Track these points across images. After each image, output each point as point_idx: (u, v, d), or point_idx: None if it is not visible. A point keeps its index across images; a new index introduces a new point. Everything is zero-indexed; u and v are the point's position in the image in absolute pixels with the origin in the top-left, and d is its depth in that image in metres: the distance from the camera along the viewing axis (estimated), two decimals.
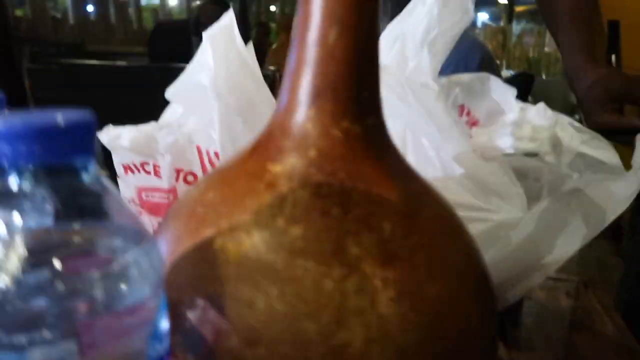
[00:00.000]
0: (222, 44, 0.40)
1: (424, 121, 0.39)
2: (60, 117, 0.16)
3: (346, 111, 0.24)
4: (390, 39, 0.43)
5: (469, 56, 2.16)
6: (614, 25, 0.79)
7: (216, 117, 0.39)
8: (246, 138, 0.39)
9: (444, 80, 0.49)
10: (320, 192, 0.22)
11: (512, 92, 0.47)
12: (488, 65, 2.23)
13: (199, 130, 0.41)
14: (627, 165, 0.41)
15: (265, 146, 0.25)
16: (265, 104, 0.41)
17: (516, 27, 5.69)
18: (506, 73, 2.95)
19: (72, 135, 0.16)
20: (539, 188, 0.45)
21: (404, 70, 0.41)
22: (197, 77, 0.40)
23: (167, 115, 0.43)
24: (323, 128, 0.23)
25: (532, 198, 0.43)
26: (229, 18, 0.41)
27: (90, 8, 4.39)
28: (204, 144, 0.41)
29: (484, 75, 0.48)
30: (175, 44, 2.89)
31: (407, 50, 0.42)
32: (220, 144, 0.39)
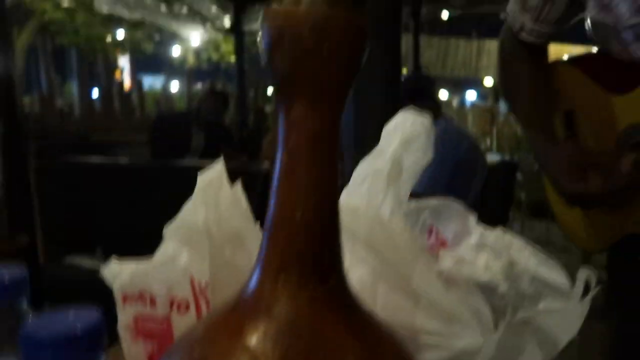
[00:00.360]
0: (213, 187, 0.46)
1: (391, 252, 0.44)
2: (75, 325, 0.21)
3: (309, 279, 0.29)
4: (362, 176, 0.49)
5: (455, 146, 2.27)
6: (570, 115, 0.89)
7: (207, 253, 0.44)
8: (236, 271, 0.44)
9: (413, 204, 0.55)
10: (288, 355, 0.26)
11: (472, 216, 0.52)
12: (474, 153, 2.33)
13: (192, 264, 0.46)
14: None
15: (242, 309, 0.29)
16: (252, 238, 0.46)
17: (503, 106, 5.94)
18: (493, 157, 3.07)
19: (86, 341, 0.21)
20: (504, 305, 0.49)
21: (373, 206, 0.47)
22: (191, 217, 0.45)
23: (163, 249, 0.48)
24: (290, 296, 0.28)
25: (500, 313, 0.47)
26: (219, 165, 0.47)
27: (95, 96, 4.62)
28: (197, 275, 0.46)
29: (448, 200, 0.54)
30: (177, 134, 3.03)
31: (375, 188, 0.48)
32: (211, 278, 0.44)
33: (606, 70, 0.86)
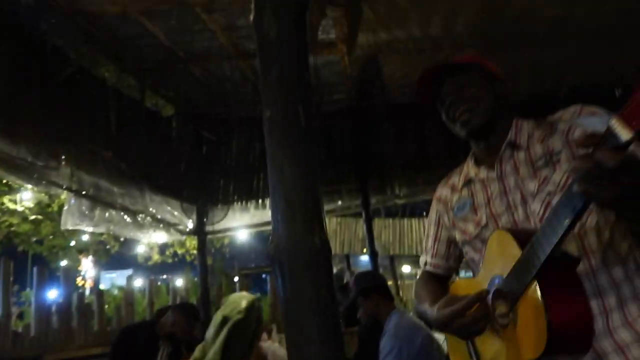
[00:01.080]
0: None
1: None
2: None
3: None
4: None
5: (410, 340, 2.33)
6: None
7: None
8: None
9: None
10: None
11: None
12: (429, 346, 2.38)
13: None
14: None
15: None
16: None
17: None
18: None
19: None
20: None
21: None
22: None
23: None
24: None
25: None
26: None
27: (53, 304, 4.48)
28: None
29: None
30: (142, 348, 2.90)
31: None
32: None
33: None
